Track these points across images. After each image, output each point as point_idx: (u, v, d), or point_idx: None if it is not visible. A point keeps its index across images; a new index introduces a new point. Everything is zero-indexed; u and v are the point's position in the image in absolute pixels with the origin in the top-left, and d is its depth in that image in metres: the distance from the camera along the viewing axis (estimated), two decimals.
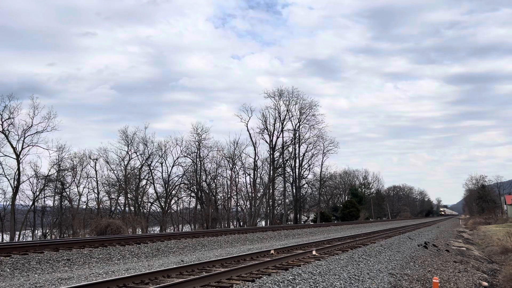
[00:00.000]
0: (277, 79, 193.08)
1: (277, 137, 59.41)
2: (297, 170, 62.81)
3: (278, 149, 59.49)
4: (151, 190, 52.35)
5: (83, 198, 47.52)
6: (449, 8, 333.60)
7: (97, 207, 47.48)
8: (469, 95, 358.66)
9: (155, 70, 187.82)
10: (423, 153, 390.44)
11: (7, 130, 38.73)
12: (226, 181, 57.32)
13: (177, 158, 52.94)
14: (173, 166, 52.61)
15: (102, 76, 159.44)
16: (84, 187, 47.49)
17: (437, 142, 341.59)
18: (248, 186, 58.87)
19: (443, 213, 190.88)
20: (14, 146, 39.19)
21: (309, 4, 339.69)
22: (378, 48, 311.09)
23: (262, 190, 58.45)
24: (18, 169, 39.15)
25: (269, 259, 12.76)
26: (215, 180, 56.15)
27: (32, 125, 39.90)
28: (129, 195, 48.64)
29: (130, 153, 49.29)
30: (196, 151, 53.70)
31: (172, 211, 54.87)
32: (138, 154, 50.03)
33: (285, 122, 59.93)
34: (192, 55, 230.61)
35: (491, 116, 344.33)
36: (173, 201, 54.27)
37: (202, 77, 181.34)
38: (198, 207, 55.32)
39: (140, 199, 49.94)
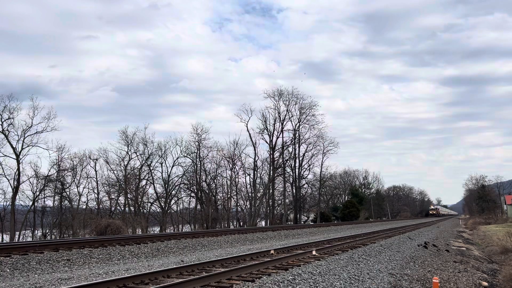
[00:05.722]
0: (274, 81, 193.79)
1: (277, 137, 59.44)
2: (297, 170, 62.84)
3: (278, 149, 59.51)
4: (151, 190, 52.39)
5: (83, 198, 47.55)
6: (444, 12, 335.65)
7: (97, 207, 47.47)
8: (464, 96, 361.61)
9: (154, 73, 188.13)
10: (421, 153, 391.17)
11: (7, 130, 38.70)
12: (226, 181, 57.33)
13: (177, 158, 52.99)
14: (173, 166, 52.67)
15: (104, 78, 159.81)
16: (84, 187, 47.51)
17: (434, 143, 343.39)
18: (248, 186, 58.89)
19: (434, 212, 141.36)
20: (14, 146, 39.19)
21: (304, 9, 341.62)
22: (373, 51, 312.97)
23: (262, 190, 58.44)
24: (18, 169, 39.16)
25: (269, 259, 12.76)
26: (215, 180, 56.16)
27: (32, 125, 39.88)
28: (129, 195, 48.62)
29: (130, 153, 49.31)
30: (196, 151, 53.71)
31: (172, 211, 54.85)
32: (138, 154, 50.06)
33: (285, 122, 59.95)
34: (190, 58, 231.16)
35: (487, 117, 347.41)
36: (173, 201, 54.31)
37: (200, 79, 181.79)
38: (198, 207, 55.31)
39: (140, 199, 49.92)
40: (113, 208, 48.32)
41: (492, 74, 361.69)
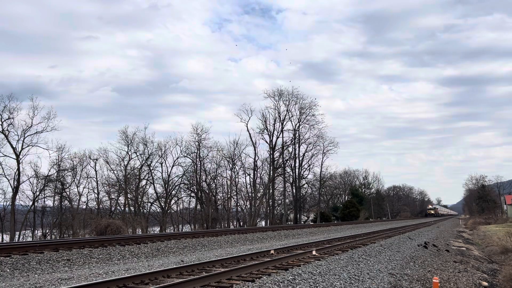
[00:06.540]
0: (274, 81, 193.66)
1: (277, 137, 59.49)
2: (297, 170, 62.86)
3: (278, 149, 59.53)
4: (151, 190, 52.43)
5: (83, 198, 47.60)
6: (443, 13, 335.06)
7: (97, 207, 47.47)
8: (464, 97, 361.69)
9: (154, 73, 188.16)
10: (421, 153, 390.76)
11: (7, 130, 38.76)
12: (226, 181, 57.37)
13: (177, 158, 53.03)
14: (173, 166, 52.69)
15: (104, 78, 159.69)
16: (84, 187, 47.56)
17: (434, 143, 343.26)
18: (248, 186, 58.91)
19: (432, 212, 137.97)
20: (14, 146, 39.24)
21: (303, 9, 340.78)
22: (372, 51, 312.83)
23: (262, 190, 58.45)
24: (18, 169, 39.19)
25: (269, 259, 12.76)
26: (215, 180, 56.18)
27: (31, 125, 39.94)
28: (129, 195, 48.63)
29: (130, 153, 49.34)
30: (196, 151, 53.76)
31: (172, 211, 54.88)
32: (138, 154, 50.09)
33: (285, 122, 59.99)
34: (190, 58, 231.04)
35: (486, 117, 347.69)
36: (173, 201, 54.34)
37: (200, 79, 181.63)
38: (198, 207, 55.33)
39: (140, 199, 49.93)
40: (113, 208, 48.34)
41: (491, 74, 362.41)
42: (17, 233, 39.77)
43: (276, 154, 59.38)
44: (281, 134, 59.73)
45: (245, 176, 59.27)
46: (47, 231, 43.41)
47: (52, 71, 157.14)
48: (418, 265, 15.98)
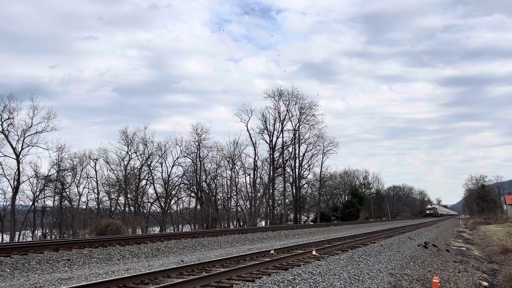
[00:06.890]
0: (274, 81, 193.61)
1: (277, 137, 59.49)
2: (297, 170, 62.86)
3: (278, 149, 59.53)
4: (151, 190, 52.42)
5: (83, 198, 47.56)
6: (443, 13, 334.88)
7: (97, 207, 47.46)
8: (463, 97, 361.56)
9: (154, 73, 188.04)
10: (421, 153, 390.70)
11: (7, 130, 38.73)
12: (226, 181, 57.39)
13: (177, 158, 53.04)
14: (173, 166, 52.70)
15: (104, 78, 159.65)
16: (84, 187, 47.51)
17: (433, 143, 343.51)
18: (248, 186, 58.92)
19: (431, 212, 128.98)
20: (14, 146, 39.21)
21: (303, 10, 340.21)
22: (372, 52, 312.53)
23: (262, 190, 58.45)
24: (18, 169, 39.17)
25: (269, 259, 12.76)
26: (215, 180, 56.19)
27: (31, 125, 39.92)
28: (129, 195, 48.63)
29: (130, 153, 49.33)
30: (196, 151, 53.78)
31: (172, 211, 54.88)
32: (138, 154, 50.08)
33: (285, 122, 59.98)
34: (190, 58, 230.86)
35: (486, 117, 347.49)
36: (173, 201, 54.35)
37: (200, 79, 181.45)
38: (198, 207, 55.34)
39: (140, 199, 49.93)
40: (113, 208, 48.34)
41: (491, 75, 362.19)
42: (17, 233, 39.75)
43: (276, 154, 59.43)
44: (281, 134, 59.81)
45: (245, 176, 59.35)
46: (47, 231, 43.41)
47: (52, 71, 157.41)
48: (418, 265, 15.98)
